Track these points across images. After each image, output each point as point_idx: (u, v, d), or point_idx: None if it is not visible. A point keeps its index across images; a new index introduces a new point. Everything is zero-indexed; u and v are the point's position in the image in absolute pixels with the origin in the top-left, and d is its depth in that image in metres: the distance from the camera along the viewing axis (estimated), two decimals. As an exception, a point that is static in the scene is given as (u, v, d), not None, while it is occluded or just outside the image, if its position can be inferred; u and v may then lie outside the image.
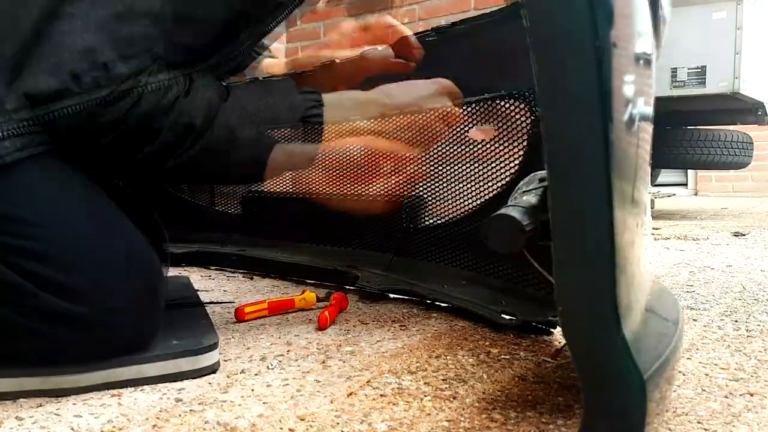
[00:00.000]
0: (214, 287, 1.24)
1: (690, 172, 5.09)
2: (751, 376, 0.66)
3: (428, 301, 1.03)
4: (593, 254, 0.37)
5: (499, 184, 0.98)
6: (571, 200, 0.37)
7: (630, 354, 0.37)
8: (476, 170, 1.05)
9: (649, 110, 0.47)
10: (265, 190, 1.51)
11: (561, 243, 0.38)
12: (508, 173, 0.97)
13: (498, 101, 1.01)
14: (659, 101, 2.49)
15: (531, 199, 0.65)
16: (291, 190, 1.47)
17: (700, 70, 2.49)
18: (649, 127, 0.47)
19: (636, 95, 0.42)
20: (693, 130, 3.03)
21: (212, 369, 0.69)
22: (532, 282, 0.90)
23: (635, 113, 0.42)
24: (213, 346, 0.69)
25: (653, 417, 0.41)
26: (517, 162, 0.95)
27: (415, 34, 1.04)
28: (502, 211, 0.62)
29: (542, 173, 0.67)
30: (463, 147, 1.06)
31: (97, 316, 0.59)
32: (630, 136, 0.41)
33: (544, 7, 0.36)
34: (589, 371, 0.39)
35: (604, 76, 0.35)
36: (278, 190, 1.49)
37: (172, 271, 1.46)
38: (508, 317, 0.87)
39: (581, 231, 0.37)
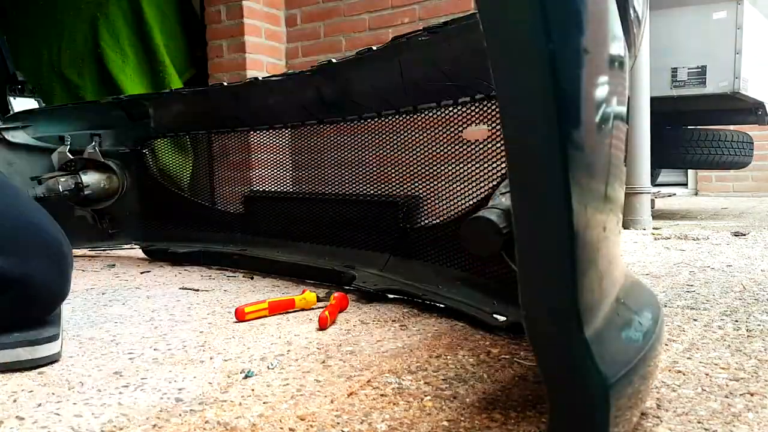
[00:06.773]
0: (215, 287, 1.24)
1: (690, 172, 5.09)
2: (752, 376, 0.66)
3: (425, 302, 1.03)
4: (552, 256, 0.36)
5: (491, 184, 0.98)
6: (529, 203, 0.36)
7: (592, 358, 0.36)
8: (469, 170, 1.05)
9: (623, 110, 0.46)
10: (267, 190, 1.51)
11: (522, 247, 0.37)
12: (499, 173, 0.98)
13: (486, 102, 1.01)
14: (659, 101, 2.49)
15: (509, 200, 0.65)
16: (292, 190, 1.47)
17: (700, 70, 2.49)
18: (623, 126, 0.46)
19: (609, 96, 0.41)
20: (693, 130, 3.03)
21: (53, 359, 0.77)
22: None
23: (608, 113, 0.41)
24: (54, 337, 0.77)
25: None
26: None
27: (407, 34, 1.04)
28: (479, 213, 0.62)
29: None
30: (456, 147, 1.06)
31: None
32: (602, 136, 0.40)
33: (496, 11, 0.34)
34: (552, 374, 0.38)
35: (560, 78, 0.34)
36: (280, 190, 1.49)
37: (173, 270, 1.46)
38: (501, 318, 0.87)
39: (540, 233, 0.36)
